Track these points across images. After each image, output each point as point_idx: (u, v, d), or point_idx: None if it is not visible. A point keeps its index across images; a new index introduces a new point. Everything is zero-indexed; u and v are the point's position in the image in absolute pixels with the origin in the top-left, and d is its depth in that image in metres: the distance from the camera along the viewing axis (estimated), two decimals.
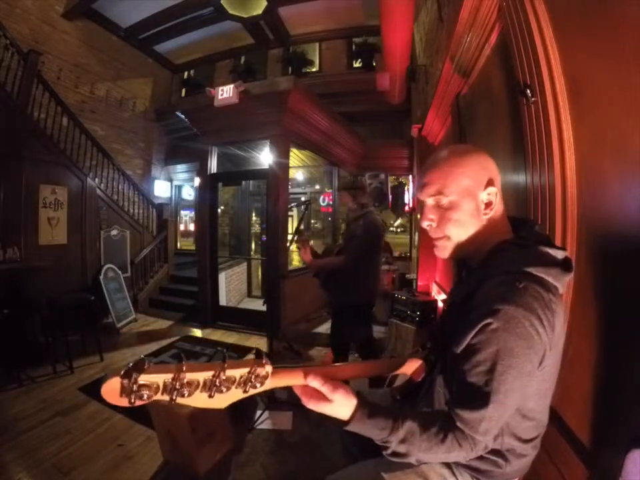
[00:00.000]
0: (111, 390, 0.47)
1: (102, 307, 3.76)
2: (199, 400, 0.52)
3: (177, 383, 0.49)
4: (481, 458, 0.68)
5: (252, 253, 6.89)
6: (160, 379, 0.49)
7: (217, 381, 0.51)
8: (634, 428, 0.67)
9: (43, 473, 1.62)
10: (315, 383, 0.59)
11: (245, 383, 0.54)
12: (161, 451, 1.76)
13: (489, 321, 0.57)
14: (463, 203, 0.69)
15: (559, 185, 0.95)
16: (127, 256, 4.82)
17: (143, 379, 0.47)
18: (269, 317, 3.29)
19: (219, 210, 5.15)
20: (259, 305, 4.52)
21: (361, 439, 0.99)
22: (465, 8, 1.61)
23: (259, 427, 2.00)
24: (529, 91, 1.04)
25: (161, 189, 7.25)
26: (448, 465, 0.73)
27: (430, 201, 0.73)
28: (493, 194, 0.69)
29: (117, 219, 4.82)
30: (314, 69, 6.47)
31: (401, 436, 0.58)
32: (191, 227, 8.99)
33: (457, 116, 2.44)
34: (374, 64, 5.91)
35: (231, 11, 4.09)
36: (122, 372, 0.47)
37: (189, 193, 7.81)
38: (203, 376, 0.51)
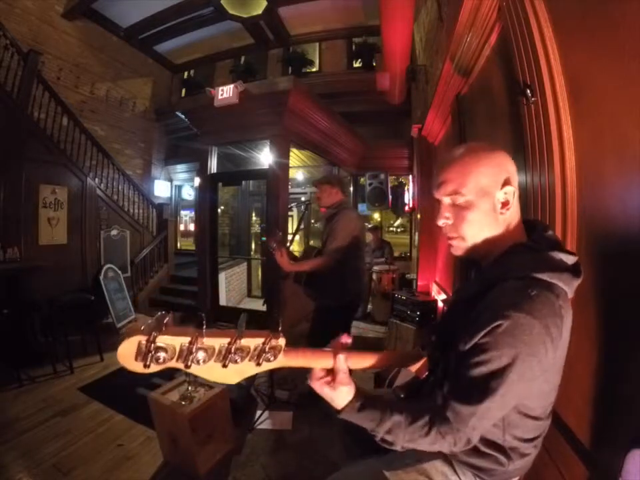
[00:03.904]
0: (128, 353, 0.46)
1: (102, 307, 3.75)
2: (213, 370, 0.52)
3: (194, 347, 0.48)
4: (483, 455, 0.69)
5: (252, 253, 6.90)
6: (177, 342, 0.48)
7: (233, 348, 0.51)
8: (634, 428, 0.67)
9: (43, 472, 1.62)
10: (341, 365, 0.63)
11: (258, 355, 0.54)
12: (161, 451, 1.76)
13: (498, 323, 0.57)
14: (480, 202, 0.68)
15: (559, 185, 0.96)
16: (127, 256, 4.82)
17: (161, 340, 0.47)
18: (268, 317, 3.28)
19: (219, 210, 5.15)
20: (258, 305, 4.52)
21: (362, 439, 0.99)
22: (465, 8, 1.61)
23: (259, 427, 2.00)
24: (528, 91, 1.04)
25: (161, 189, 7.24)
26: (450, 463, 0.74)
27: (446, 200, 0.72)
28: (510, 193, 0.68)
29: (117, 219, 4.82)
30: (314, 69, 6.47)
31: (388, 427, 0.61)
32: (191, 227, 8.99)
33: (457, 116, 2.44)
34: (374, 64, 5.90)
35: (231, 11, 4.09)
36: (142, 327, 0.46)
37: (188, 193, 7.81)
38: (219, 342, 0.51)
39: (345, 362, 0.63)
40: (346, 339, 0.71)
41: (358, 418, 0.63)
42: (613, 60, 0.75)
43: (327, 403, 0.65)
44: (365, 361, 0.70)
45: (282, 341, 0.55)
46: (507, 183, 0.68)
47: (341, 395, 0.63)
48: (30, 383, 2.48)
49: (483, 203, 0.68)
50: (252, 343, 0.53)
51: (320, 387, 0.64)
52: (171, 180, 7.57)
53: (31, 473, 1.61)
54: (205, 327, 0.49)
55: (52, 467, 1.65)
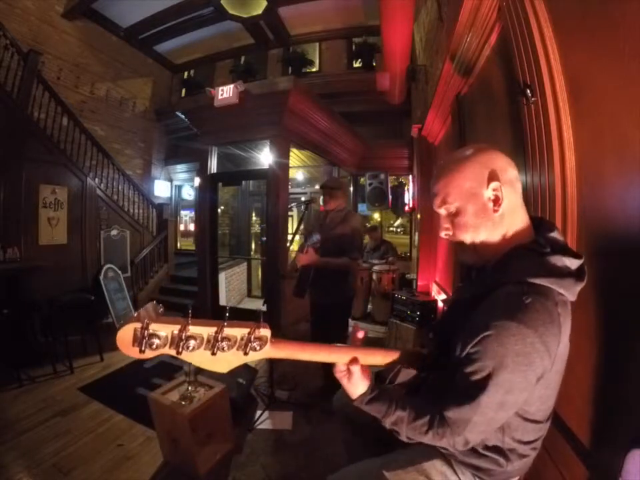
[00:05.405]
0: (125, 339, 0.50)
1: (102, 307, 3.75)
2: (203, 358, 0.55)
3: (184, 334, 0.52)
4: (482, 456, 0.69)
5: (252, 253, 6.89)
6: (168, 329, 0.52)
7: (219, 337, 0.54)
8: (634, 428, 0.67)
9: (43, 472, 1.62)
10: (355, 367, 0.70)
11: (245, 344, 0.56)
12: (161, 451, 1.76)
13: (490, 332, 0.57)
14: (469, 205, 0.69)
15: (559, 185, 0.95)
16: (127, 256, 4.82)
17: (154, 327, 0.51)
18: (268, 317, 3.28)
19: (219, 210, 5.14)
20: (258, 305, 4.52)
21: (362, 438, 0.99)
22: (465, 8, 1.61)
23: (259, 427, 2.00)
24: (528, 91, 1.04)
25: (161, 189, 7.24)
26: (449, 463, 0.74)
27: (442, 211, 0.74)
28: (497, 189, 0.67)
29: (117, 219, 4.81)
30: (314, 69, 6.46)
31: (392, 420, 0.68)
32: (191, 227, 8.99)
33: (457, 116, 2.44)
34: (374, 64, 5.90)
35: (231, 11, 4.09)
36: (135, 313, 0.51)
37: (188, 193, 7.81)
38: (206, 331, 0.54)
39: (358, 364, 0.70)
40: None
41: (366, 408, 0.71)
42: (613, 60, 0.75)
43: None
44: (374, 357, 0.75)
45: (266, 332, 0.57)
46: (492, 178, 0.67)
47: (356, 388, 0.72)
48: (30, 383, 2.48)
49: (471, 205, 0.69)
50: (238, 332, 0.56)
51: (340, 378, 0.72)
52: (171, 180, 7.57)
53: (30, 472, 1.61)
54: (190, 315, 0.52)
55: (52, 467, 1.65)
